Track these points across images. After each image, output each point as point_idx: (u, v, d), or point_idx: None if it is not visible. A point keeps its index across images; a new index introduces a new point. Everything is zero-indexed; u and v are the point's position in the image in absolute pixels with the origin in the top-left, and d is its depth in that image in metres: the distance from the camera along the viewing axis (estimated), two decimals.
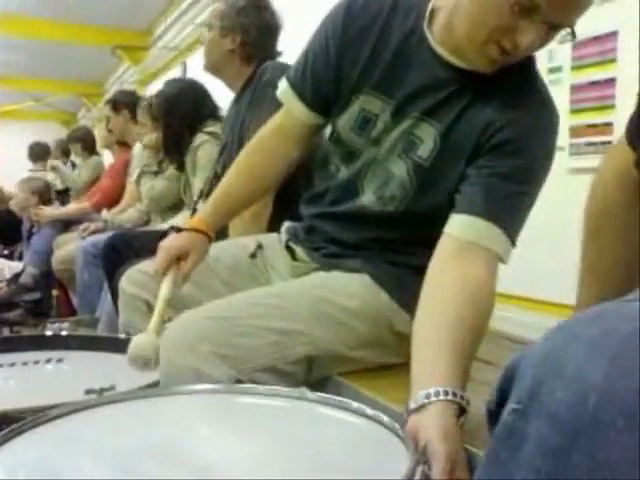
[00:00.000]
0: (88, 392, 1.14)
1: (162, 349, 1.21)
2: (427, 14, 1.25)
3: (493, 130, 1.19)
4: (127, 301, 1.55)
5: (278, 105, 1.58)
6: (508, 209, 1.18)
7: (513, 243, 1.18)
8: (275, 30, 2.29)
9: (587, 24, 2.15)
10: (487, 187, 1.18)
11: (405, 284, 1.30)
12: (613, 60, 2.10)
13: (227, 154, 2.27)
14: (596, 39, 2.13)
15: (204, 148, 2.79)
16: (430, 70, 1.25)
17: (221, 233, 1.95)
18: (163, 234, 2.11)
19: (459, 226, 1.16)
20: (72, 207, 4.34)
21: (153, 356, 1.21)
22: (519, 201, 1.20)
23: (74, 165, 5.52)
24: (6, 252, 4.96)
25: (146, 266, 1.52)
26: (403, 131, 1.28)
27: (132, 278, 1.55)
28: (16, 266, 4.25)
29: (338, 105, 1.35)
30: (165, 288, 1.36)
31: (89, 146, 5.17)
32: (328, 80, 1.35)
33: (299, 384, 1.21)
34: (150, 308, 1.47)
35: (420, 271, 1.15)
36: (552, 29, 1.11)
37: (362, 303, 1.30)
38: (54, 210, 4.39)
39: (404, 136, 1.28)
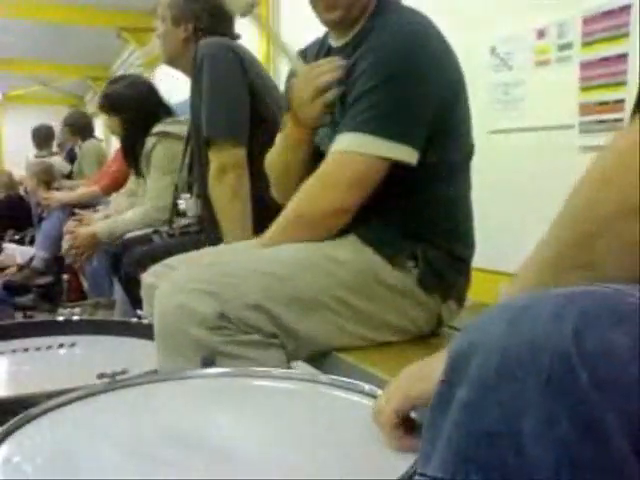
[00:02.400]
0: (101, 376, 1.14)
1: (156, 296, 1.28)
2: None
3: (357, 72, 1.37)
4: (146, 291, 1.61)
5: (213, 80, 1.93)
6: (367, 117, 1.31)
7: (395, 139, 1.30)
8: (227, 13, 2.24)
9: None
10: (350, 112, 1.35)
11: (389, 241, 1.38)
12: (626, 35, 2.06)
13: (192, 142, 2.30)
14: (608, 13, 2.10)
15: (156, 150, 2.79)
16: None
17: (216, 237, 2.00)
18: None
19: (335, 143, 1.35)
20: (81, 191, 4.34)
21: None
22: (377, 100, 1.31)
23: (72, 154, 5.45)
24: (17, 237, 4.98)
25: (168, 260, 1.64)
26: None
27: (153, 270, 1.65)
28: (27, 251, 4.27)
29: None
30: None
31: (79, 130, 5.12)
32: None
33: (289, 331, 1.26)
34: None
35: (404, 227, 1.38)
36: None
37: (349, 255, 1.36)
38: (64, 194, 4.40)
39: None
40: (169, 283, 1.28)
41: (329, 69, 1.38)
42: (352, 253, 1.37)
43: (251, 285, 1.25)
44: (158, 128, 2.80)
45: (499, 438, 0.44)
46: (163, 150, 2.76)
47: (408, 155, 1.32)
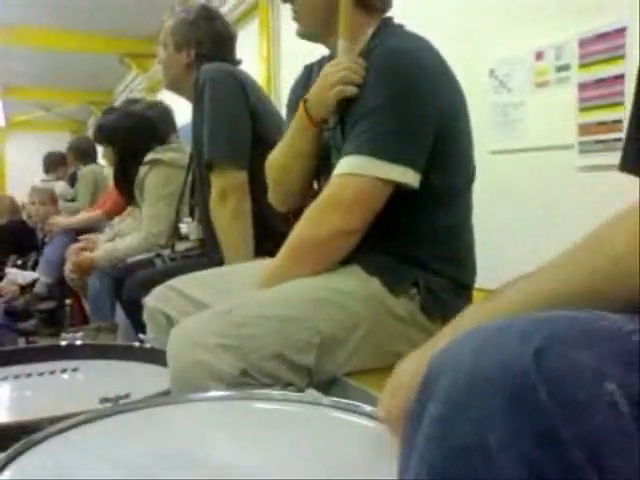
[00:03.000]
0: (103, 401, 1.14)
1: (169, 347, 1.25)
2: None
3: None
4: (149, 315, 1.61)
5: (215, 105, 1.94)
6: (367, 139, 1.32)
7: (395, 161, 1.30)
8: (228, 39, 2.29)
9: (595, 20, 2.16)
10: (351, 135, 1.36)
11: (392, 270, 1.38)
12: (622, 56, 2.08)
13: (194, 165, 2.32)
14: (604, 35, 2.12)
15: (149, 177, 2.83)
16: None
17: (218, 260, 2.01)
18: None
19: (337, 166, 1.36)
20: (84, 216, 4.36)
21: None
22: (376, 122, 1.32)
23: (74, 178, 5.49)
24: (20, 262, 4.98)
25: (170, 282, 1.62)
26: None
27: (155, 293, 1.62)
28: (29, 275, 4.27)
29: None
30: None
31: (80, 155, 5.13)
32: None
33: (311, 378, 1.24)
34: (170, 322, 1.51)
35: (406, 254, 1.38)
36: None
37: (355, 285, 1.35)
38: (67, 219, 4.41)
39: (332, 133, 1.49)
40: (183, 334, 1.25)
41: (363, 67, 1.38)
42: (358, 282, 1.36)
43: (269, 334, 1.24)
44: (150, 156, 2.85)
45: (469, 452, 0.46)
46: (155, 177, 2.80)
47: (409, 177, 1.32)
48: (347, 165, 1.34)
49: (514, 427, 0.44)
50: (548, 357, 0.45)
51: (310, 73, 1.64)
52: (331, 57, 1.55)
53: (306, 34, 1.54)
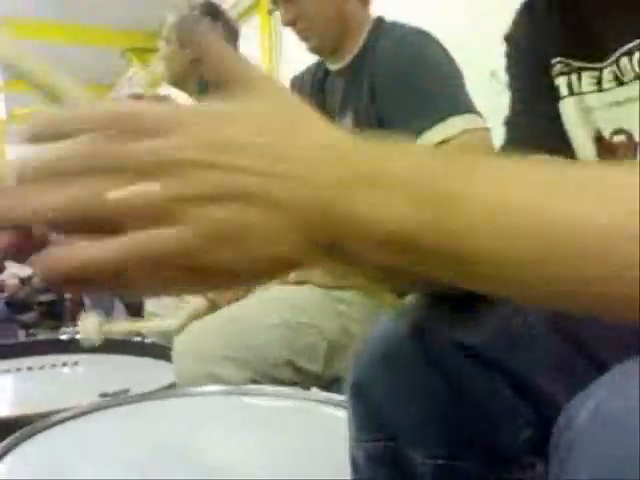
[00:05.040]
0: (103, 395, 1.15)
1: (176, 359, 1.25)
2: None
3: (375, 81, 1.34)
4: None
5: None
6: (446, 101, 1.28)
7: (442, 117, 1.24)
8: (232, 36, 2.30)
9: None
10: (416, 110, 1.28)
11: None
12: None
13: None
14: None
15: None
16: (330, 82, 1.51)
17: None
18: None
19: None
20: None
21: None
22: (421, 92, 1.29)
23: None
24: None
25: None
26: None
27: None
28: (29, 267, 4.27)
29: None
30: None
31: None
32: None
33: (313, 378, 1.26)
34: None
35: None
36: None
37: (352, 294, 1.34)
38: None
39: None
40: (189, 346, 1.25)
41: None
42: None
43: (277, 341, 1.24)
44: None
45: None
46: None
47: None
48: (460, 124, 1.25)
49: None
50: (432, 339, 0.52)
51: (299, 87, 1.61)
52: (320, 65, 1.54)
53: (319, 47, 1.47)
